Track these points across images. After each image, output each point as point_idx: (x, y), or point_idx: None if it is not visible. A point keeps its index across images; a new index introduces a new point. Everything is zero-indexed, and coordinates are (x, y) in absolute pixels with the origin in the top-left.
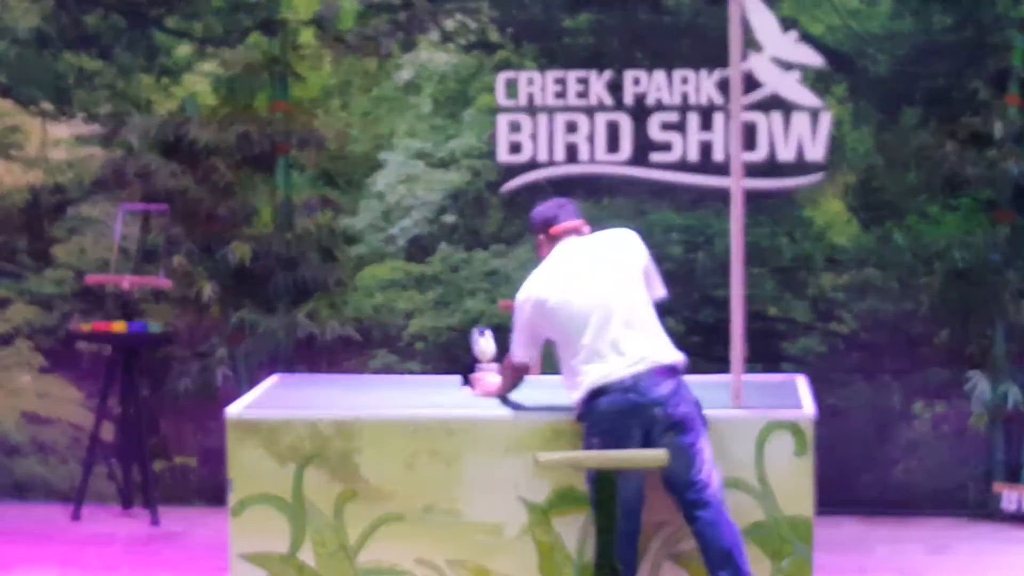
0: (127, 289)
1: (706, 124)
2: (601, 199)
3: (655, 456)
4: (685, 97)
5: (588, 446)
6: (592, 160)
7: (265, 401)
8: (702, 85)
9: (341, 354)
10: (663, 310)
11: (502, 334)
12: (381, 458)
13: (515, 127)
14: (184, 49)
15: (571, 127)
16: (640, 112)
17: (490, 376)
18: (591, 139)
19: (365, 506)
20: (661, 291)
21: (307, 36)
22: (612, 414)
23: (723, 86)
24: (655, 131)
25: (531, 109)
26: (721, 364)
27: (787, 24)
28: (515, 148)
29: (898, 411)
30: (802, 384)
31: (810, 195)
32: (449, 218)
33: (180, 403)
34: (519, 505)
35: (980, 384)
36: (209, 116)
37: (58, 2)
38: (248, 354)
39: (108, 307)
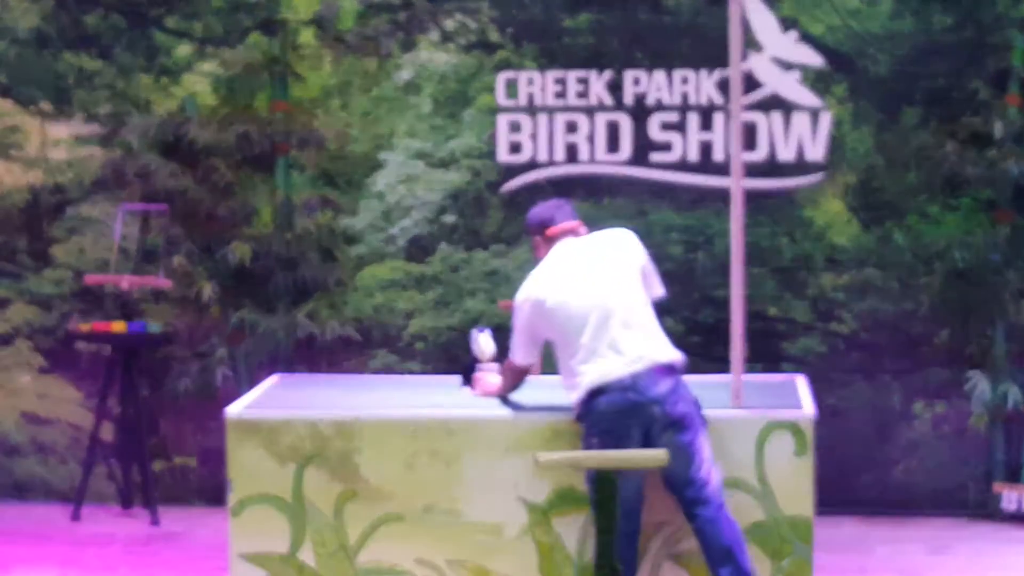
0: (127, 289)
1: (706, 124)
2: (601, 199)
3: (655, 456)
4: (685, 97)
5: (587, 446)
6: (592, 160)
7: (265, 401)
8: (702, 85)
9: (341, 354)
10: (663, 310)
11: (502, 334)
12: (381, 458)
13: (515, 127)
14: (184, 49)
15: (571, 127)
16: (640, 112)
17: (490, 376)
18: (591, 139)
19: (365, 506)
20: (659, 290)
21: (307, 36)
22: (611, 413)
23: (723, 86)
24: (655, 131)
25: (531, 109)
26: (721, 364)
27: (787, 24)
28: (515, 148)
29: (898, 411)
30: (802, 384)
31: (810, 195)
32: (449, 218)
33: (180, 403)
34: (519, 505)
35: (980, 384)
36: (209, 116)
37: (58, 2)
38: (248, 354)
39: (108, 307)
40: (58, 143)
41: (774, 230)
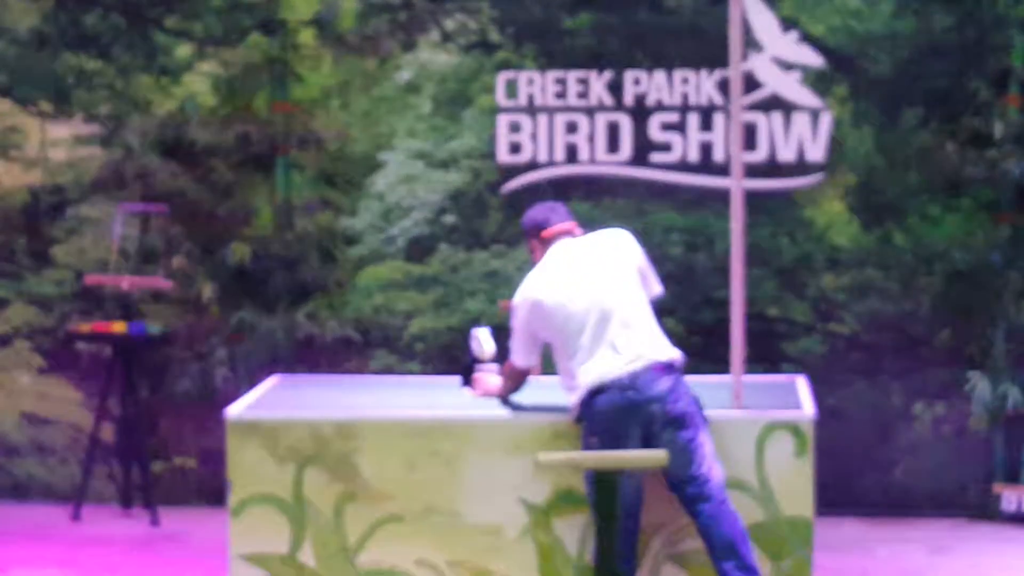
0: (126, 290)
1: (706, 124)
2: (601, 199)
3: (655, 456)
4: (685, 97)
5: (587, 446)
6: (592, 160)
7: (265, 402)
8: (702, 85)
9: (341, 355)
10: (663, 310)
11: (502, 335)
12: (381, 459)
13: (515, 127)
14: (184, 49)
15: (571, 127)
16: (640, 112)
17: (491, 377)
18: (591, 139)
19: (365, 507)
20: (657, 288)
21: (307, 36)
22: (611, 413)
23: (723, 86)
24: (655, 131)
25: (531, 109)
26: (721, 365)
27: (788, 24)
28: (515, 148)
29: (898, 412)
30: (802, 385)
31: (811, 196)
32: (449, 219)
33: (180, 404)
34: (519, 506)
35: (980, 385)
36: (209, 116)
37: (58, 2)
38: (248, 355)
39: (107, 308)
40: (58, 143)
41: (774, 231)
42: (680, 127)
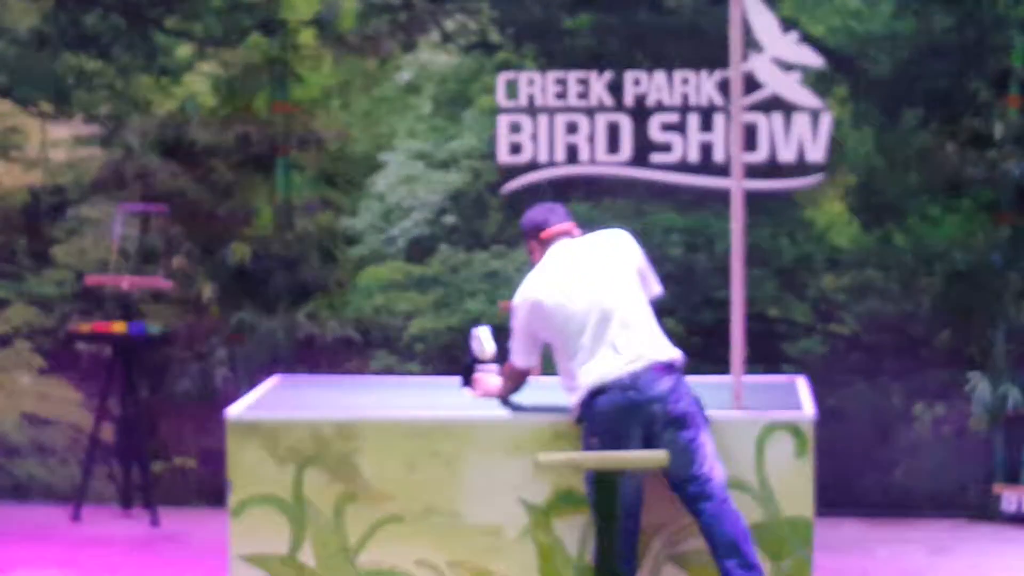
0: (127, 290)
1: (706, 125)
2: (601, 200)
3: (655, 457)
4: (685, 98)
5: (587, 446)
6: (592, 161)
7: (265, 402)
8: (703, 86)
9: (341, 355)
10: (663, 310)
11: (502, 335)
12: (381, 459)
13: (515, 128)
14: (184, 49)
15: (571, 128)
16: (640, 113)
17: (491, 378)
18: (591, 140)
19: (365, 507)
20: (657, 288)
21: (307, 36)
22: (612, 413)
23: (724, 87)
24: (655, 132)
25: (531, 110)
26: (721, 365)
27: (788, 25)
28: (515, 149)
29: (898, 412)
30: (802, 385)
31: (811, 196)
32: (449, 219)
33: (180, 404)
34: (519, 507)
35: (980, 385)
36: (209, 117)
37: (58, 2)
38: (248, 355)
39: (108, 308)
40: (58, 144)
41: (775, 231)
42: (680, 128)
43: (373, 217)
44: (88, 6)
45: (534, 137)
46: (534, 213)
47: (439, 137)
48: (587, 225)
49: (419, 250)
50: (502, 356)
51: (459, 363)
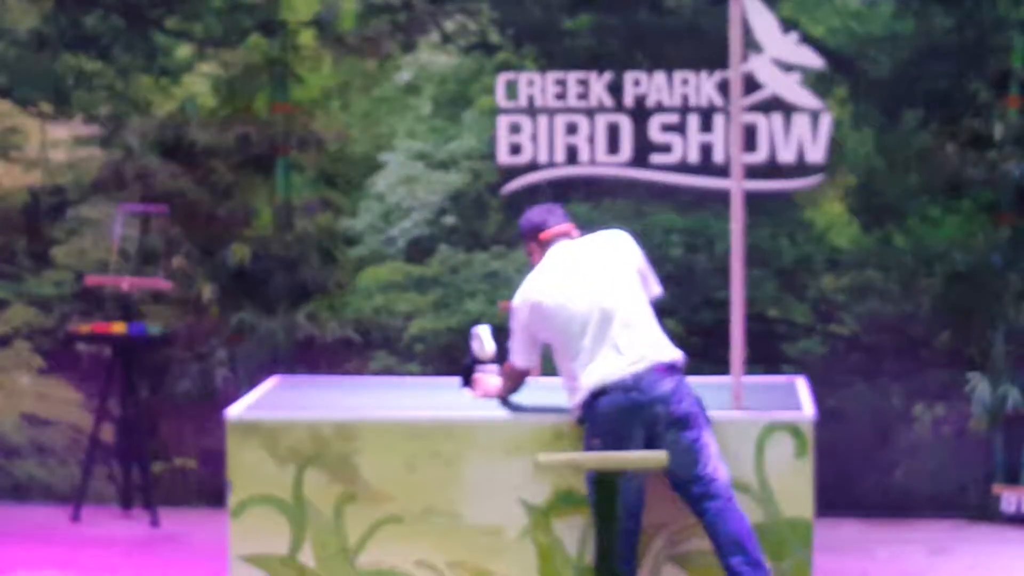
0: (126, 290)
1: (706, 126)
2: (601, 201)
3: (656, 457)
4: (685, 98)
5: (589, 447)
6: (592, 162)
7: (265, 403)
8: (702, 86)
9: (341, 356)
10: (663, 311)
11: (502, 335)
12: (381, 460)
13: (515, 128)
14: (184, 50)
15: (571, 128)
16: (640, 113)
17: (490, 378)
18: (591, 140)
19: (365, 508)
20: (657, 289)
21: (307, 37)
22: (614, 414)
23: (723, 87)
24: (655, 132)
25: (531, 110)
26: (721, 366)
27: (788, 25)
28: (515, 149)
29: (898, 413)
30: (802, 386)
31: (811, 197)
32: (449, 220)
33: (180, 404)
34: (519, 507)
35: (980, 386)
36: (209, 117)
37: (57, 3)
38: (248, 355)
39: (107, 308)
40: (58, 144)
41: (774, 232)
42: (680, 128)
43: (373, 218)
44: (88, 7)
45: (534, 138)
46: (533, 214)
47: (439, 138)
48: (587, 226)
49: (419, 251)
50: (502, 356)
51: (459, 363)
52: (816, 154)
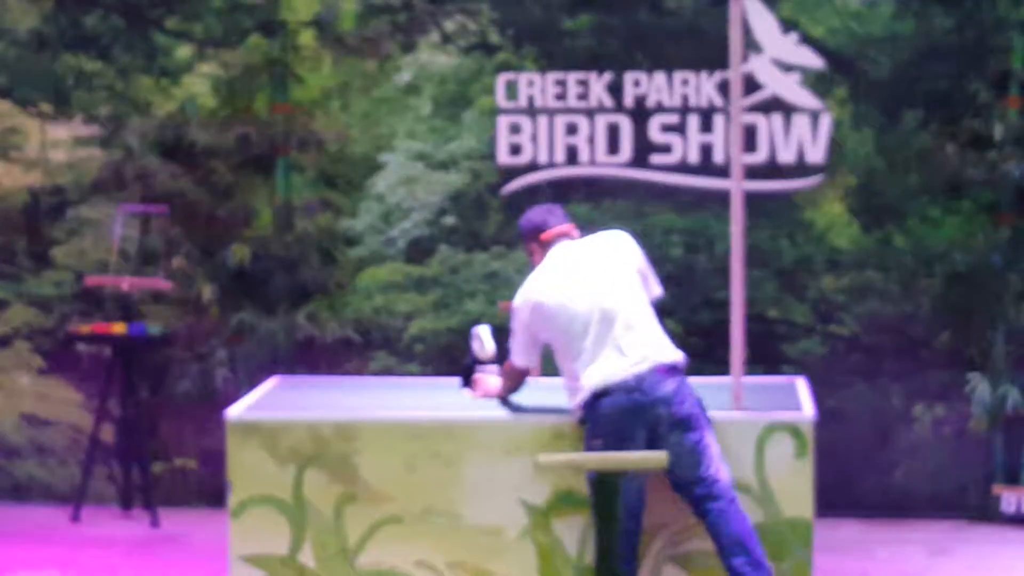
0: (126, 291)
1: (706, 126)
2: (601, 201)
3: (656, 457)
4: (685, 99)
5: (591, 448)
6: (592, 162)
7: (265, 403)
8: (702, 87)
9: (341, 356)
10: (663, 311)
11: (502, 336)
12: (381, 460)
13: (515, 129)
14: (184, 50)
15: (571, 129)
16: (640, 114)
17: (490, 378)
18: (591, 141)
19: (365, 508)
20: (657, 290)
21: (307, 37)
22: (616, 414)
23: (723, 88)
24: (655, 133)
25: (531, 111)
26: (721, 366)
27: (788, 26)
28: (515, 150)
29: (898, 413)
30: (802, 386)
31: (810, 197)
32: (449, 220)
33: (180, 405)
34: (519, 507)
35: (980, 386)
36: (209, 118)
37: (57, 3)
38: (248, 356)
39: (107, 309)
40: (58, 144)
41: (774, 232)
42: (680, 129)
43: (373, 218)
44: (88, 7)
45: (534, 138)
46: (533, 215)
47: (439, 138)
48: (587, 226)
49: (419, 251)
50: (502, 356)
51: (459, 364)
52: (816, 154)
